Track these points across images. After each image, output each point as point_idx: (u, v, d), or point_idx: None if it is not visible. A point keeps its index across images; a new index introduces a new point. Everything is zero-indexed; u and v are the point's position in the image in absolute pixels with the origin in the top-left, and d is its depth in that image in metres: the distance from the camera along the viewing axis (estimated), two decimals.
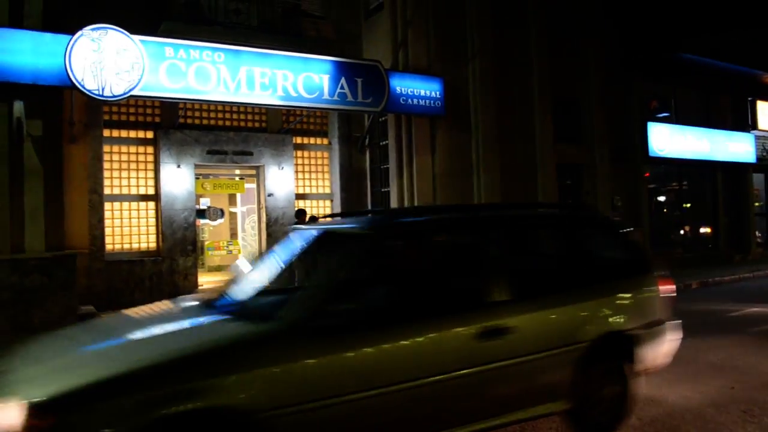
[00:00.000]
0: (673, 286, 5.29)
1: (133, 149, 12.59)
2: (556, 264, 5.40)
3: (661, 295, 5.14)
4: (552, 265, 5.41)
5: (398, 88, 12.74)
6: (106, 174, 12.14)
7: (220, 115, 13.42)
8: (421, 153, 13.31)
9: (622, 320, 4.76)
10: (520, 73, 14.80)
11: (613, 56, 16.95)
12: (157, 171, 12.66)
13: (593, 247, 5.52)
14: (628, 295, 5.00)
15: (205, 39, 10.91)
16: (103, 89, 9.69)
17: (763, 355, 7.28)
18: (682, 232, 19.44)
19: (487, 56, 14.04)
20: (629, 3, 17.29)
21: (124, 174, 12.46)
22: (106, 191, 12.08)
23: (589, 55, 16.15)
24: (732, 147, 19.78)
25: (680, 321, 5.29)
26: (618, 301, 4.90)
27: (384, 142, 14.07)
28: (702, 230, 19.96)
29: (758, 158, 20.85)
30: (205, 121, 13.28)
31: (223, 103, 11.94)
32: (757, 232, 21.53)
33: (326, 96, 11.95)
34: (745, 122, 20.90)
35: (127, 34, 9.88)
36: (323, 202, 14.63)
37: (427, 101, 13.11)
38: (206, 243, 15.89)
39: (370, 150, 14.61)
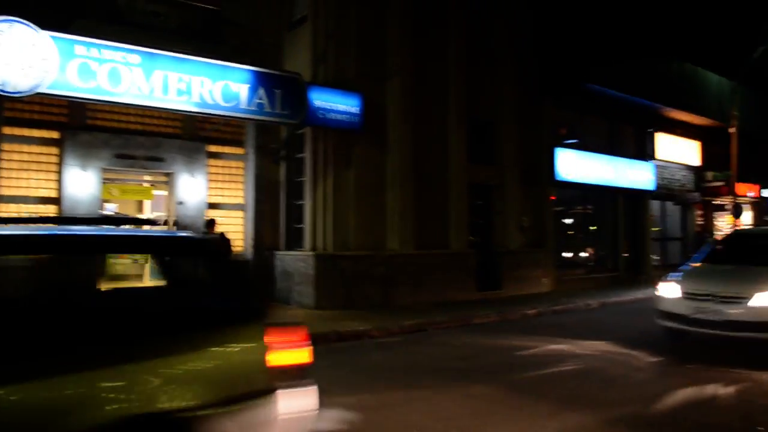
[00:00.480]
0: (301, 338, 3.68)
1: (35, 149, 12.01)
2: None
3: (273, 352, 3.52)
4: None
5: (317, 102, 12.80)
6: (4, 174, 11.53)
7: (131, 119, 13.00)
8: (337, 167, 13.39)
9: (173, 395, 3.16)
10: (438, 93, 15.19)
11: (529, 82, 17.66)
12: (60, 173, 12.13)
13: (173, 279, 4.23)
14: (195, 355, 3.33)
15: (120, 39, 10.60)
16: (5, 84, 9.25)
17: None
18: (585, 254, 20.35)
19: (406, 74, 14.34)
20: (545, 32, 18.09)
21: (24, 174, 11.86)
22: (3, 191, 11.47)
23: (505, 79, 16.78)
24: (633, 174, 20.93)
25: (314, 386, 3.64)
26: (171, 366, 3.24)
27: (300, 155, 14.06)
28: (603, 252, 20.96)
29: (657, 186, 22.16)
30: (115, 124, 12.83)
31: (136, 107, 11.57)
32: (653, 256, 22.84)
33: (243, 105, 11.87)
34: (645, 152, 22.21)
35: (36, 28, 9.49)
36: (236, 212, 14.42)
37: (346, 116, 13.23)
38: None
39: (286, 162, 14.55)
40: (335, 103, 13.09)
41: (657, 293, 9.34)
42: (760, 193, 26.73)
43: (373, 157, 13.96)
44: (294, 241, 14.33)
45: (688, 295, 8.72)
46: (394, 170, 14.10)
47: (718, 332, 8.26)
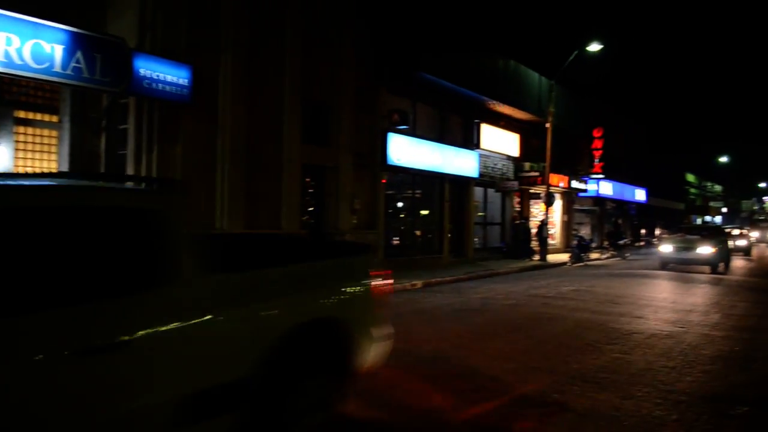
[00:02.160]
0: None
1: None
2: None
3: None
4: None
5: (143, 70, 12.01)
6: None
7: None
8: (163, 141, 12.70)
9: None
10: (273, 71, 14.91)
11: (365, 68, 17.90)
12: None
13: None
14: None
15: None
16: None
17: None
18: (412, 236, 21.14)
19: (240, 49, 13.91)
20: (382, 19, 18.43)
21: None
22: None
23: (342, 63, 16.86)
24: (459, 162, 22.05)
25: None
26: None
27: (123, 126, 13.15)
28: (430, 235, 21.93)
29: (480, 174, 23.53)
30: None
31: None
32: (475, 239, 24.29)
33: (58, 68, 10.83)
34: (471, 141, 23.49)
35: None
36: None
37: (174, 88, 12.56)
38: None
39: (107, 133, 13.52)
40: (163, 73, 12.35)
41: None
42: (569, 184, 29.34)
43: (203, 133, 13.42)
44: None
45: None
46: (225, 148, 13.67)
47: None
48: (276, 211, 15.03)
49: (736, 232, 38.17)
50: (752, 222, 67.12)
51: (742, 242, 35.66)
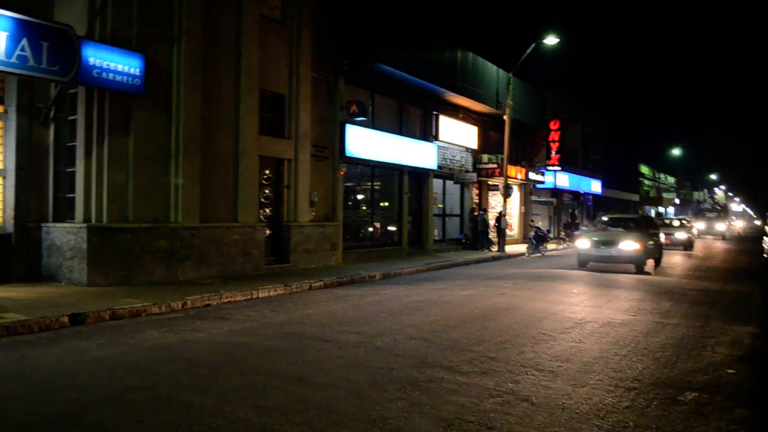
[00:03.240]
0: None
1: None
2: None
3: None
4: None
5: (92, 59, 11.70)
6: None
7: None
8: (114, 132, 12.38)
9: None
10: (228, 61, 14.69)
11: (323, 59, 17.75)
12: None
13: None
14: None
15: None
16: None
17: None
18: (372, 228, 21.12)
19: (195, 38, 13.65)
20: (341, 11, 18.28)
21: None
22: None
23: (299, 54, 16.69)
24: (419, 154, 22.08)
25: None
26: None
27: (73, 117, 12.79)
28: (390, 227, 21.94)
29: (439, 166, 23.61)
30: None
31: None
32: (435, 231, 24.39)
33: (2, 57, 10.48)
34: (430, 133, 23.55)
35: None
36: None
37: (126, 77, 12.25)
38: None
39: (56, 124, 13.14)
40: (114, 63, 12.04)
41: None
42: (526, 176, 29.66)
43: (156, 123, 13.13)
44: (64, 212, 13.06)
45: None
46: (180, 139, 13.40)
47: None
48: (233, 203, 14.83)
49: (675, 223, 33.35)
50: (698, 212, 61.86)
51: (681, 235, 30.36)
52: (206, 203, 14.12)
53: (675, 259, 24.16)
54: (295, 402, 5.35)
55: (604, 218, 21.81)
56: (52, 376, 6.15)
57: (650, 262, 19.11)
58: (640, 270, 17.74)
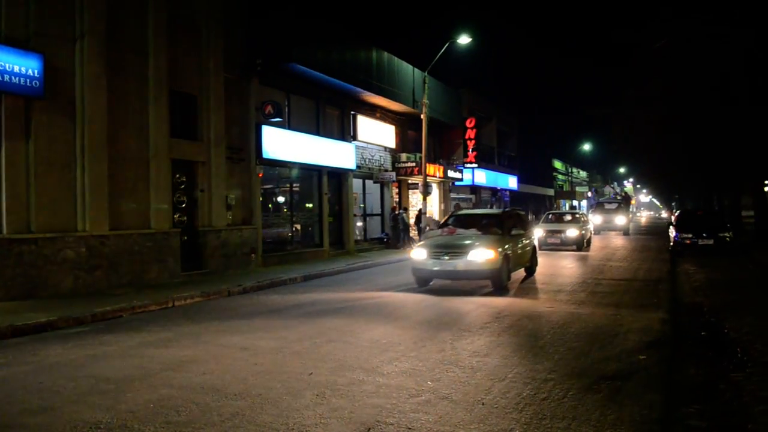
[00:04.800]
0: None
1: None
2: None
3: None
4: None
5: None
6: None
7: None
8: (12, 138, 11.64)
9: None
10: (136, 61, 14.14)
11: (236, 58, 17.37)
12: None
13: None
14: None
15: None
16: None
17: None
18: (293, 230, 20.86)
19: (98, 37, 13.05)
20: (253, 9, 17.95)
21: None
22: None
23: (211, 53, 16.25)
24: (337, 154, 21.99)
25: None
26: None
27: None
28: (310, 228, 21.74)
29: (358, 166, 23.61)
30: None
31: None
32: (356, 231, 24.37)
33: None
34: (348, 133, 23.50)
35: None
36: None
37: (23, 79, 11.54)
38: None
39: None
40: (9, 63, 11.28)
41: None
42: (445, 174, 30.10)
43: (59, 127, 12.46)
44: None
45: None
46: (85, 143, 12.77)
47: None
48: (145, 210, 14.29)
49: (567, 217, 27.50)
50: (596, 205, 47.87)
51: (572, 232, 23.77)
52: (116, 210, 13.54)
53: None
54: (209, 414, 5.17)
55: (453, 217, 16.24)
56: None
57: (519, 273, 15.06)
58: (498, 285, 12.76)
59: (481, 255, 12.44)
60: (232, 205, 17.02)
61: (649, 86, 25.40)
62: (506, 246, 13.22)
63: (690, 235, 21.23)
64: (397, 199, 27.59)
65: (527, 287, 13.68)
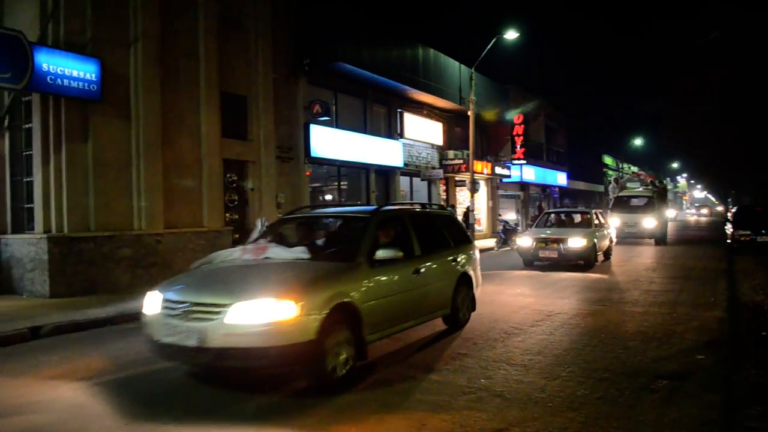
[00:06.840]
0: None
1: None
2: None
3: None
4: None
5: (46, 66, 11.39)
6: None
7: None
8: (72, 140, 12.07)
9: None
10: (188, 63, 14.45)
11: (284, 58, 17.60)
12: None
13: None
14: None
15: None
16: None
17: None
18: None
19: (152, 40, 13.39)
20: (302, 10, 18.14)
21: None
22: None
23: (259, 54, 16.49)
24: (384, 152, 22.07)
25: None
26: None
27: (28, 125, 12.45)
28: None
29: (405, 163, 23.63)
30: None
31: None
32: None
33: None
34: (395, 131, 23.54)
35: None
36: None
37: (82, 83, 11.96)
38: None
39: (11, 133, 12.80)
40: (69, 68, 11.73)
41: None
42: (493, 171, 29.86)
43: (115, 129, 12.85)
44: (23, 222, 12.73)
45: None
46: (140, 144, 13.14)
47: None
48: (198, 208, 14.62)
49: (576, 218, 19.47)
50: (616, 201, 30.41)
51: (576, 242, 15.99)
52: (170, 209, 13.89)
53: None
54: None
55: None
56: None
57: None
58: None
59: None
60: (282, 204, 17.25)
61: (703, 78, 24.68)
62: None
63: (748, 232, 20.54)
64: (445, 197, 27.51)
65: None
